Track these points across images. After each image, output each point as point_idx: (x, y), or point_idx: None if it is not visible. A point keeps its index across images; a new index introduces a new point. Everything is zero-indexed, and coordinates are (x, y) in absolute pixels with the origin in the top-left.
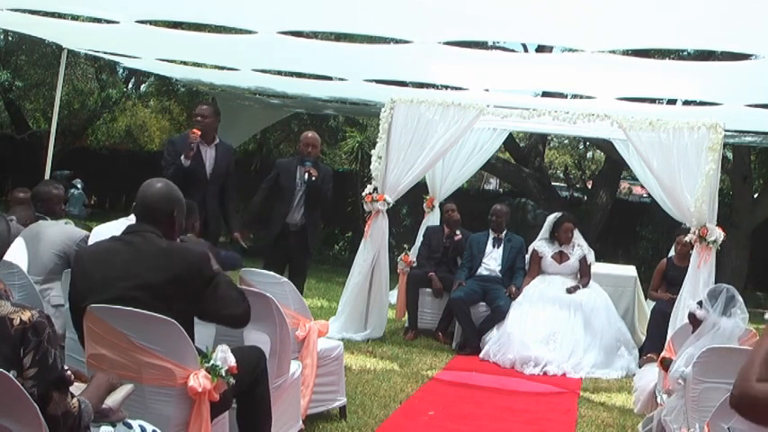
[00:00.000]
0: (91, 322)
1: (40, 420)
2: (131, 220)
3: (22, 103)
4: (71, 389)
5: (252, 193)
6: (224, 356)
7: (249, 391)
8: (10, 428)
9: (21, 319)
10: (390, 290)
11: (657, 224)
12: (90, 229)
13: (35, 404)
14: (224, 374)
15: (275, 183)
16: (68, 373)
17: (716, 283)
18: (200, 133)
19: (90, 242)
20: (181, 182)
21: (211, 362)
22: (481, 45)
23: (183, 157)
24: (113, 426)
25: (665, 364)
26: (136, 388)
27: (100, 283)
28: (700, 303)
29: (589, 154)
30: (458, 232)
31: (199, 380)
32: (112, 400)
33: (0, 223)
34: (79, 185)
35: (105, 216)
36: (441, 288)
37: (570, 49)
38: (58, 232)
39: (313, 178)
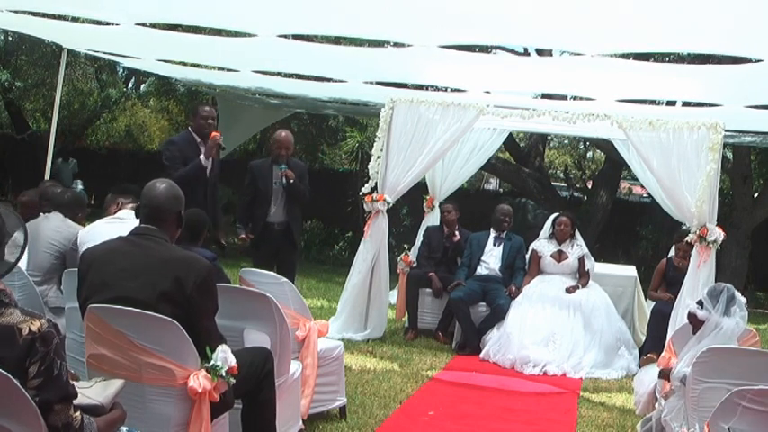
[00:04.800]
0: (91, 322)
1: (41, 422)
2: (121, 218)
3: (22, 103)
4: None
5: None
6: (224, 356)
7: (255, 392)
8: (10, 429)
9: (30, 329)
10: (390, 290)
11: (657, 224)
12: None
13: (35, 406)
14: (224, 375)
15: (251, 185)
16: (72, 383)
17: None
18: (220, 135)
19: (81, 243)
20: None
21: (212, 362)
22: (481, 47)
23: (203, 156)
24: None
25: (665, 374)
26: (136, 388)
27: (107, 282)
28: (699, 303)
29: (589, 154)
30: (456, 233)
31: (199, 380)
32: (104, 396)
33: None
34: (80, 186)
35: (103, 216)
36: (441, 288)
37: (570, 53)
38: (55, 231)
39: (291, 181)
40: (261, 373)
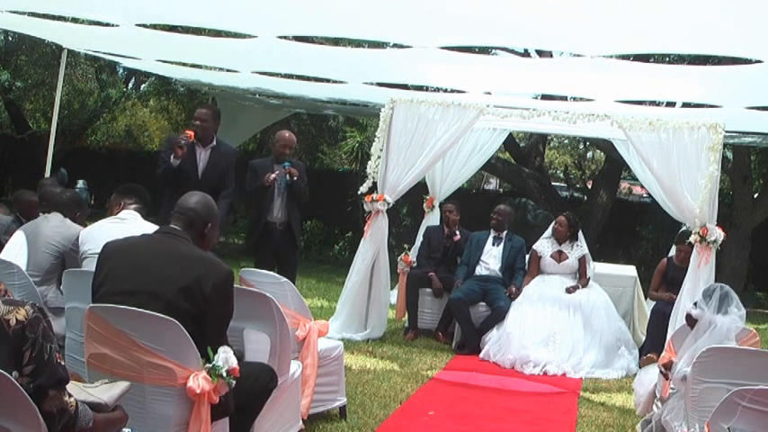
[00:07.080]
0: (93, 322)
1: (39, 421)
2: (122, 219)
3: (22, 103)
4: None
5: None
6: (225, 357)
7: (249, 405)
8: (9, 429)
9: (16, 318)
10: (390, 290)
11: (657, 224)
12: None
13: (34, 405)
14: (225, 375)
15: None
16: (63, 364)
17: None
18: (193, 135)
19: (81, 243)
20: (172, 181)
21: (213, 363)
22: (482, 48)
23: (172, 156)
24: None
25: (665, 371)
26: (137, 388)
27: (126, 274)
28: (696, 305)
29: (589, 154)
30: (457, 232)
31: (198, 381)
32: (108, 396)
33: None
34: (81, 185)
35: (105, 216)
36: (441, 288)
37: (570, 54)
38: (54, 232)
39: (295, 179)
40: (262, 390)
